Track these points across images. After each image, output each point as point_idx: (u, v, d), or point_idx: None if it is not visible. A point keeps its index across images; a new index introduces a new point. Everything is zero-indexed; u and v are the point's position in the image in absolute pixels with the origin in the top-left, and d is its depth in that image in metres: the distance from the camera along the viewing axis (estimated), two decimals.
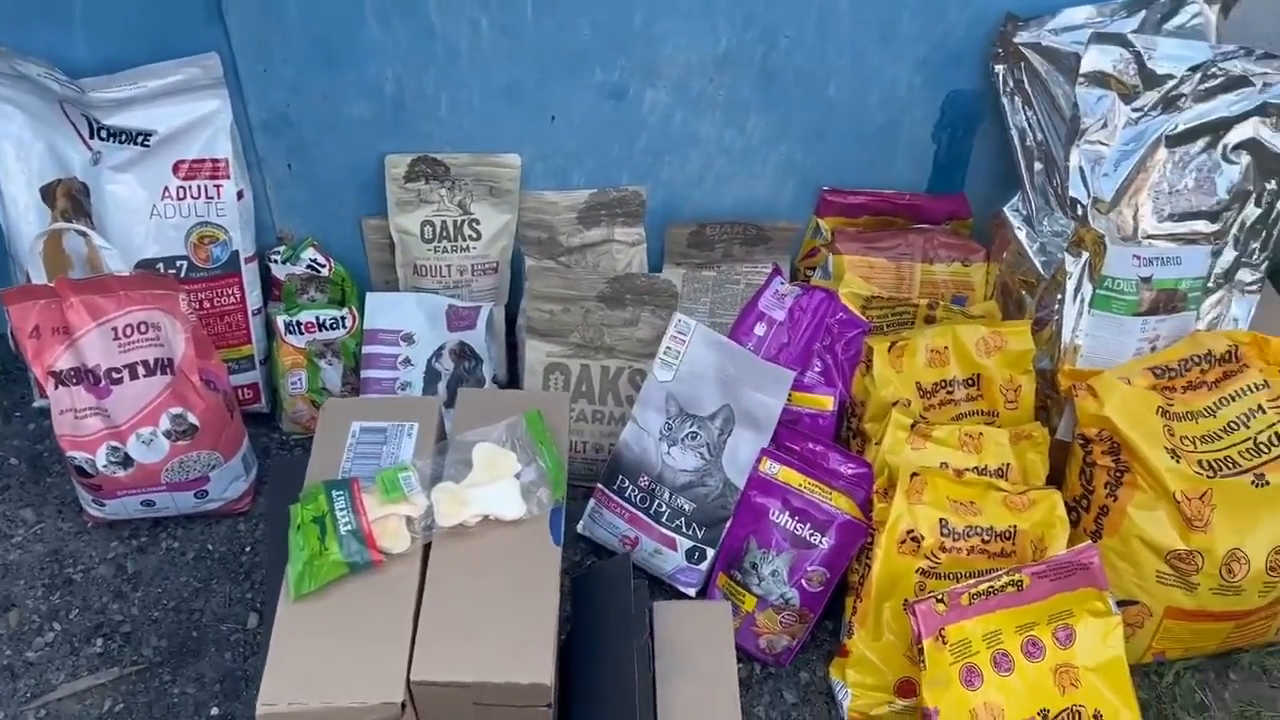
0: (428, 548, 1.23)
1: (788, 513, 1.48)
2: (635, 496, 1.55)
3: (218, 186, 1.58)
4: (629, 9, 1.52)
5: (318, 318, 1.68)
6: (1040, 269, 1.63)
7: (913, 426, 1.49)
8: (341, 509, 1.21)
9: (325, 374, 1.70)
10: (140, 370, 1.46)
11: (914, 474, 1.43)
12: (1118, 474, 1.46)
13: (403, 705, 1.11)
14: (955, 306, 1.73)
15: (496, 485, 1.26)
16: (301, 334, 1.68)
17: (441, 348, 1.67)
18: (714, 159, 1.72)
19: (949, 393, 1.59)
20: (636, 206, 1.76)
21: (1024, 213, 1.67)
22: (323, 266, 1.70)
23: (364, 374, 1.68)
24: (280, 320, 1.67)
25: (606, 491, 1.57)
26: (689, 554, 1.53)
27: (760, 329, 1.65)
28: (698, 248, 1.80)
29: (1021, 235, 1.67)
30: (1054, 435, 1.58)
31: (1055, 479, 1.56)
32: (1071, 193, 1.55)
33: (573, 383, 1.65)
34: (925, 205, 1.83)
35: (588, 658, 1.33)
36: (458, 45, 1.54)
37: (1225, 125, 1.53)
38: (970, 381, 1.59)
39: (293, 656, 1.13)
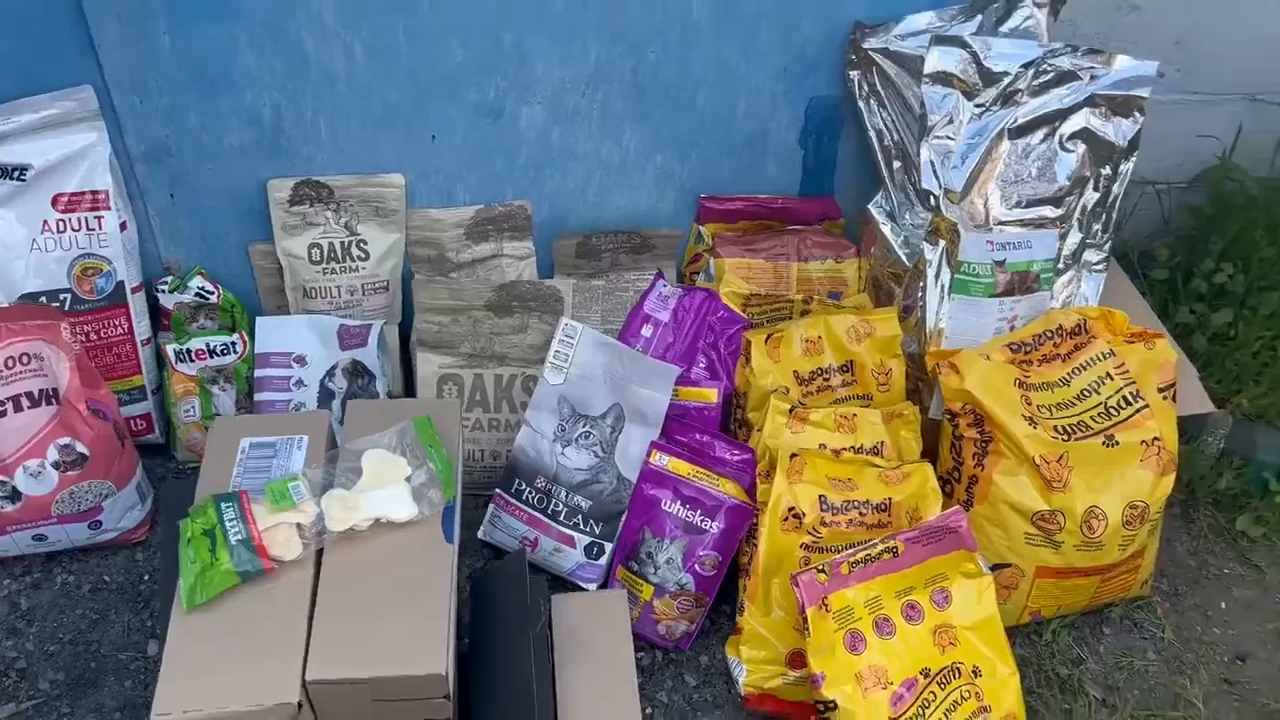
0: (321, 554, 1.26)
1: (679, 501, 1.54)
2: (533, 498, 1.59)
3: (99, 218, 1.59)
4: (498, 30, 1.58)
5: (208, 344, 1.69)
6: (905, 260, 1.73)
7: (791, 411, 1.57)
8: (231, 520, 1.23)
9: (218, 400, 1.71)
10: (24, 402, 1.46)
11: (793, 455, 1.51)
12: (983, 444, 1.55)
13: (299, 705, 1.13)
14: (831, 301, 1.82)
15: (387, 489, 1.29)
16: (192, 362, 1.69)
17: (334, 367, 1.70)
18: (594, 172, 1.79)
19: (825, 379, 1.67)
20: (523, 221, 1.81)
21: (887, 208, 1.78)
22: (211, 294, 1.72)
23: (257, 397, 1.69)
24: (170, 349, 1.68)
25: (504, 495, 1.61)
26: (588, 550, 1.58)
27: (647, 330, 1.72)
28: (585, 258, 1.86)
29: (886, 230, 1.77)
30: (927, 415, 1.68)
31: (931, 456, 1.64)
32: (924, 185, 1.65)
33: (467, 393, 1.69)
34: (797, 208, 1.92)
35: (487, 654, 1.36)
36: (333, 70, 1.58)
37: (1060, 117, 1.66)
38: (845, 368, 1.67)
39: (186, 665, 1.14)
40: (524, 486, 1.60)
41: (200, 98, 1.57)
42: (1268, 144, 2.01)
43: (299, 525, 1.25)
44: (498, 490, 1.62)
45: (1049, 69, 1.63)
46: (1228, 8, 1.86)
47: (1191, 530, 1.85)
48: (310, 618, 1.19)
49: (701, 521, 1.53)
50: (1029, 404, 1.55)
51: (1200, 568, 1.79)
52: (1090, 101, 1.65)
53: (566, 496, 1.58)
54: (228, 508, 1.24)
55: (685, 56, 1.68)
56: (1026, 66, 1.63)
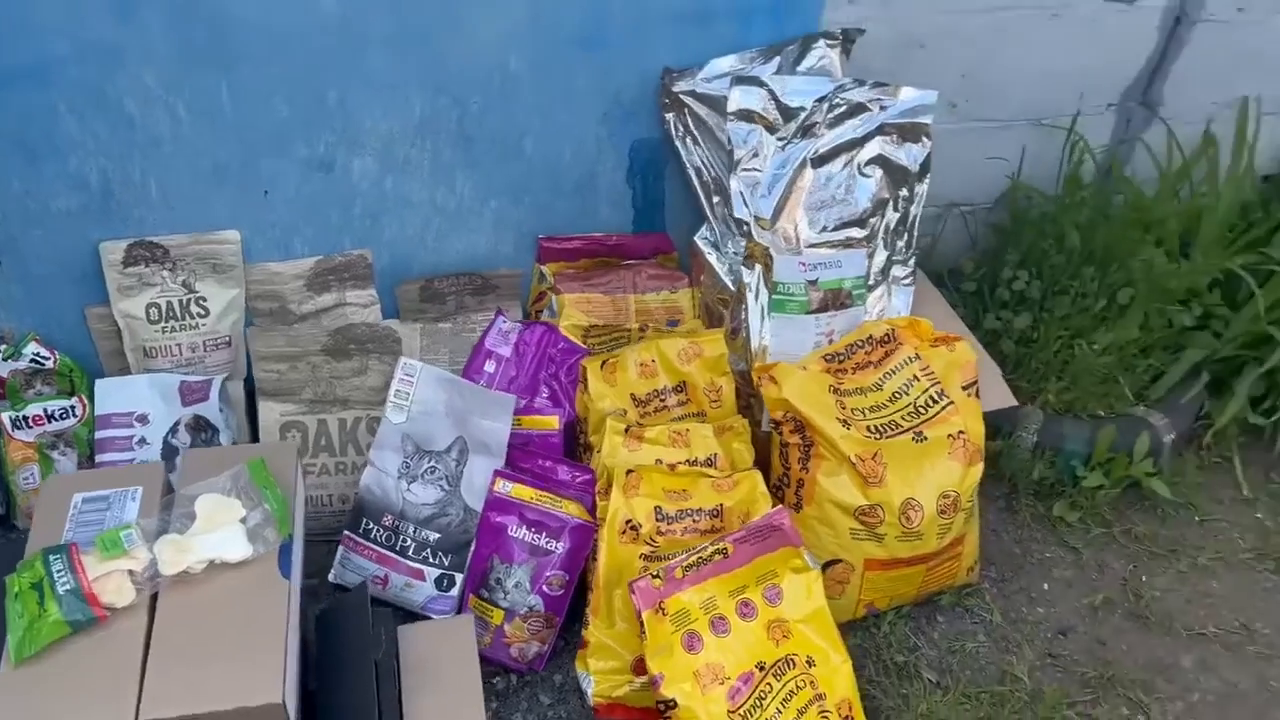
0: (156, 598, 1.27)
1: (525, 526, 1.59)
2: (381, 536, 1.63)
3: None
4: (321, 86, 1.65)
5: (46, 409, 1.68)
6: (730, 285, 1.85)
7: (627, 431, 1.65)
8: (59, 570, 1.23)
9: (59, 465, 1.69)
10: None
11: (629, 471, 1.58)
12: (806, 449, 1.66)
13: None
14: (669, 328, 1.92)
15: (221, 531, 1.32)
16: (30, 428, 1.68)
17: (177, 423, 1.71)
18: (431, 218, 1.86)
19: (661, 400, 1.76)
20: (364, 269, 1.87)
21: (711, 239, 1.90)
22: (47, 359, 1.71)
23: (99, 459, 1.69)
24: (5, 417, 1.67)
25: (353, 536, 1.64)
26: (438, 582, 1.61)
27: (490, 366, 1.78)
28: (430, 302, 1.92)
29: (712, 259, 1.88)
30: (761, 428, 1.78)
31: (766, 465, 1.74)
32: (737, 215, 1.77)
33: (311, 439, 1.72)
34: (632, 244, 2.03)
35: (332, 686, 1.38)
36: (159, 132, 1.62)
37: (856, 145, 1.81)
38: (678, 388, 1.77)
39: (16, 717, 1.14)
40: (371, 525, 1.63)
41: (23, 164, 1.59)
42: (1055, 163, 2.21)
43: (131, 572, 1.26)
44: (346, 532, 1.65)
45: (841, 102, 1.79)
46: (1003, 44, 2.05)
47: (1015, 520, 1.99)
48: (145, 660, 1.20)
49: (547, 543, 1.59)
50: (844, 408, 1.66)
51: (1024, 554, 1.93)
52: (881, 130, 1.81)
53: (414, 531, 1.62)
54: (55, 560, 1.24)
55: (507, 106, 1.78)
56: (820, 101, 1.78)
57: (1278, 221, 2.24)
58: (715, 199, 1.87)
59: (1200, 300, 2.10)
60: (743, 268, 1.78)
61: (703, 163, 1.87)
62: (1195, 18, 2.13)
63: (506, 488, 1.61)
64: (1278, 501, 2.06)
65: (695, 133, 1.85)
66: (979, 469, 1.68)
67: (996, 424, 1.99)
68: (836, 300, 1.81)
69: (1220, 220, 2.17)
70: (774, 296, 1.77)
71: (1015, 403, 1.85)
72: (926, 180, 1.85)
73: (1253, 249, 2.16)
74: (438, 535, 1.61)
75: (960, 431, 1.66)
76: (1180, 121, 2.25)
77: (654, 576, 1.44)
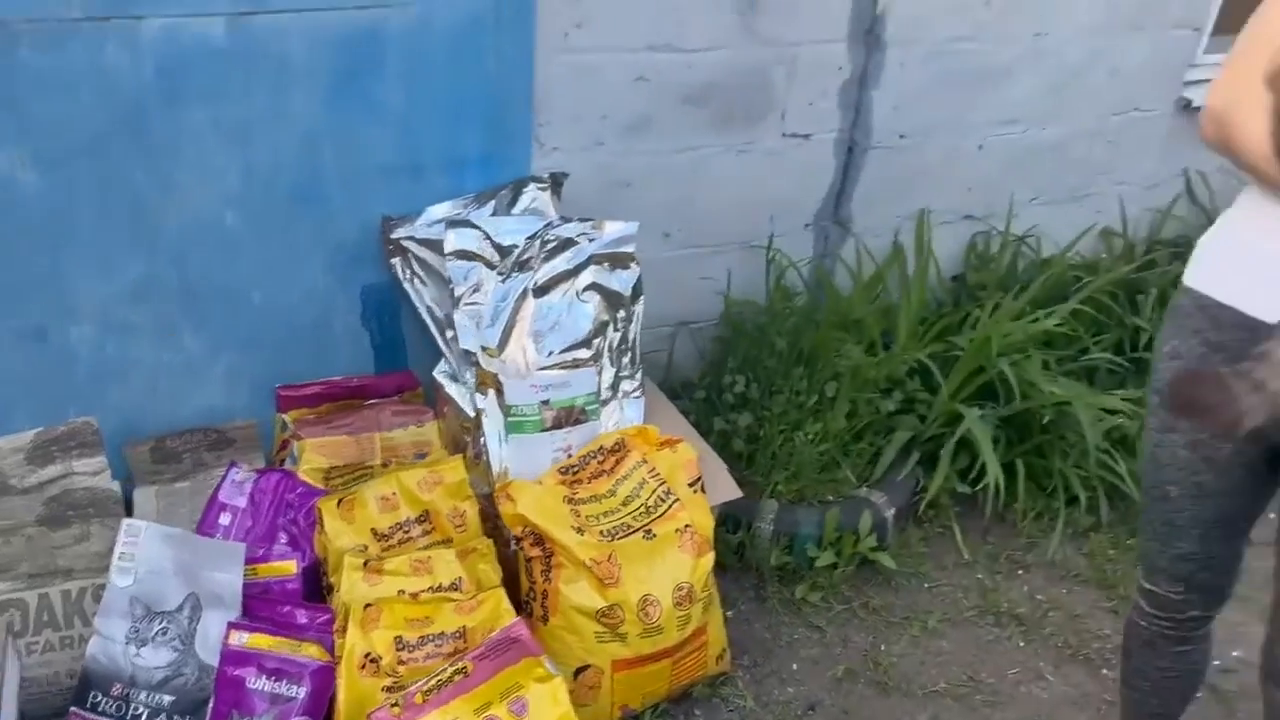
0: None
1: (264, 675, 1.57)
2: (110, 707, 1.55)
3: None
4: (29, 255, 1.66)
5: None
6: (470, 414, 1.93)
7: (366, 565, 1.67)
8: None
9: None
10: None
11: (368, 605, 1.60)
12: (547, 560, 1.73)
13: None
14: (418, 461, 1.97)
15: None
16: None
17: None
18: (158, 378, 1.86)
19: (405, 531, 1.79)
20: (90, 436, 1.82)
21: (449, 372, 1.98)
22: None
23: None
24: None
25: (80, 712, 1.56)
26: None
27: (225, 519, 1.77)
28: (165, 462, 1.89)
29: (452, 391, 1.97)
30: (509, 548, 1.84)
31: (517, 584, 1.79)
32: (464, 346, 1.88)
33: (32, 615, 1.64)
34: (375, 384, 2.09)
35: None
36: None
37: (571, 275, 1.96)
38: (422, 518, 1.81)
39: None
40: (100, 698, 1.56)
41: None
42: (762, 279, 2.46)
43: None
44: (73, 708, 1.56)
45: (553, 238, 1.94)
46: (702, 178, 2.29)
47: (764, 608, 2.11)
48: None
49: (288, 689, 1.56)
50: (578, 516, 1.76)
51: (774, 638, 2.05)
52: (593, 260, 1.97)
53: (147, 697, 1.56)
54: None
55: (230, 261, 1.83)
56: (532, 238, 1.93)
57: (965, 314, 2.57)
58: (449, 333, 1.96)
59: (902, 388, 2.36)
60: (477, 394, 1.88)
61: (433, 301, 1.97)
62: (865, 145, 2.46)
63: (242, 638, 1.58)
64: (994, 561, 2.29)
65: (421, 274, 1.95)
66: (709, 559, 1.80)
67: (737, 517, 2.14)
68: (570, 417, 1.92)
69: (912, 317, 2.47)
70: (509, 419, 1.87)
71: (740, 494, 1.99)
72: (640, 302, 2.02)
73: (942, 339, 2.46)
74: (172, 698, 1.56)
75: (687, 525, 1.78)
76: (871, 234, 2.56)
77: (393, 705, 1.45)
